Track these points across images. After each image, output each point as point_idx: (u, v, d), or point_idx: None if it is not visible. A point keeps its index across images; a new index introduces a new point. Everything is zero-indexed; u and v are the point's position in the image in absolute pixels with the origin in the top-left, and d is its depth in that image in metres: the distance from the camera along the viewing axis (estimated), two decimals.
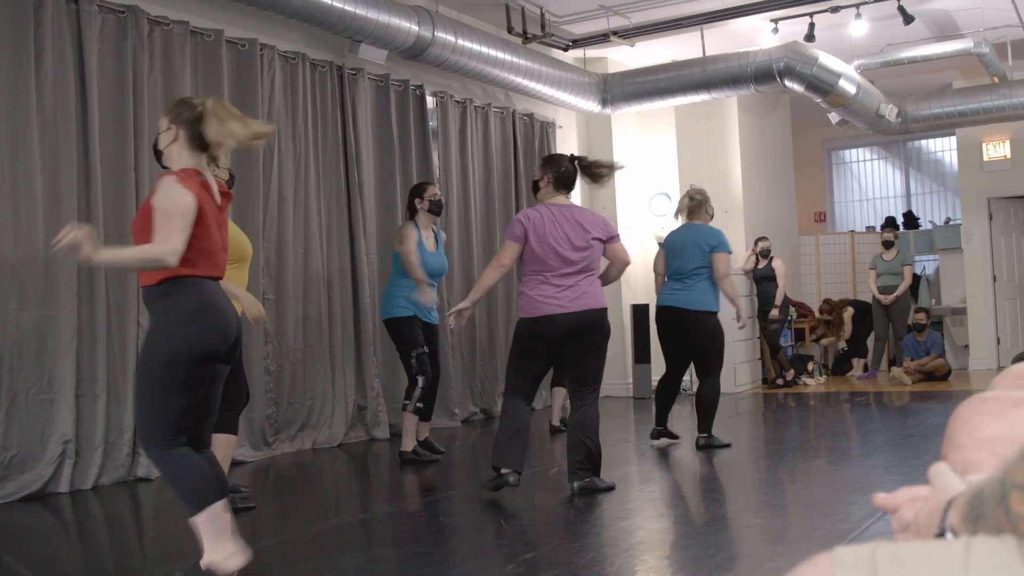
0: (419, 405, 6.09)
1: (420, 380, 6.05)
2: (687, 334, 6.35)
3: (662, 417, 6.59)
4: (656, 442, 6.63)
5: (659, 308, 6.44)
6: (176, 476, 3.26)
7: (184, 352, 3.24)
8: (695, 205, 6.56)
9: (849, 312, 11.66)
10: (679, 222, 6.63)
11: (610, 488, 4.93)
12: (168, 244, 3.15)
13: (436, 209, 6.30)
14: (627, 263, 5.18)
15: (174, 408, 3.25)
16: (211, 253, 3.35)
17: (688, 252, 6.33)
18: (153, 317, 3.38)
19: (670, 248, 6.46)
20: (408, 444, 6.19)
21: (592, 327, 4.95)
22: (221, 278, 3.45)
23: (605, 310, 5.03)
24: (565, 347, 4.96)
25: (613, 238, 5.07)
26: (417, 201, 6.26)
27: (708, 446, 6.35)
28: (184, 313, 3.27)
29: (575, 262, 4.92)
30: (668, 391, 6.55)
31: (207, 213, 3.30)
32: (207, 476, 3.27)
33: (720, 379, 6.47)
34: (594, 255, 5.00)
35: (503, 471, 4.84)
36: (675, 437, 6.68)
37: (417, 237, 6.11)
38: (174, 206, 3.19)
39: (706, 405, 6.39)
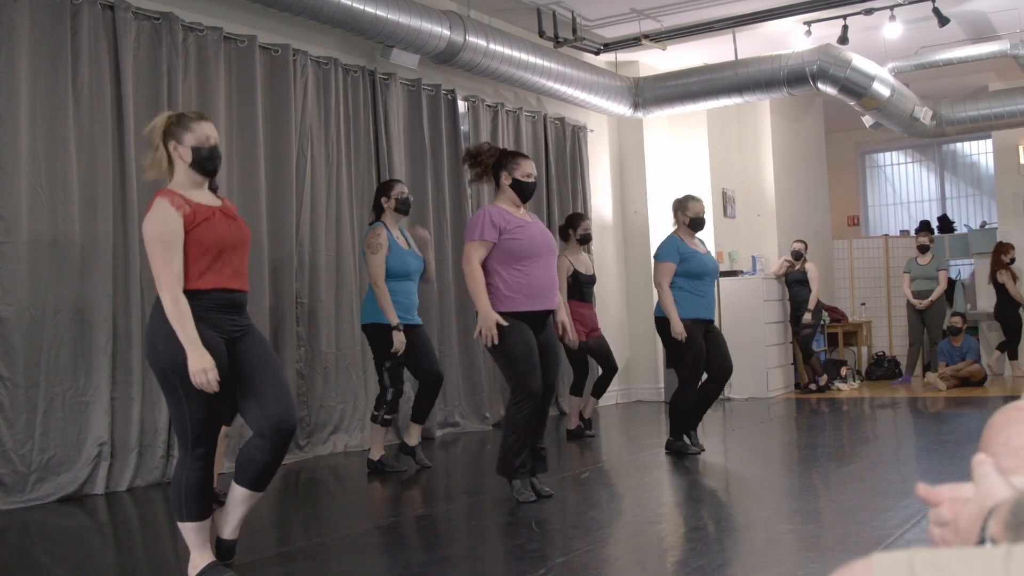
0: (387, 417, 5.94)
1: (389, 393, 5.91)
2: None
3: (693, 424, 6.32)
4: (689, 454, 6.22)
5: (702, 320, 6.19)
6: (175, 480, 3.41)
7: (169, 367, 3.30)
8: None
9: None
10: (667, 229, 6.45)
11: (549, 495, 4.90)
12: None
13: (404, 208, 5.99)
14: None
15: (186, 415, 3.34)
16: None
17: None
18: None
19: (694, 259, 6.18)
20: (375, 453, 6.05)
21: None
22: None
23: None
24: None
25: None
26: (384, 200, 5.97)
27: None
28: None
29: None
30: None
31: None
32: (200, 496, 3.37)
33: None
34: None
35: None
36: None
37: (389, 243, 5.82)
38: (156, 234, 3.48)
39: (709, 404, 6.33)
